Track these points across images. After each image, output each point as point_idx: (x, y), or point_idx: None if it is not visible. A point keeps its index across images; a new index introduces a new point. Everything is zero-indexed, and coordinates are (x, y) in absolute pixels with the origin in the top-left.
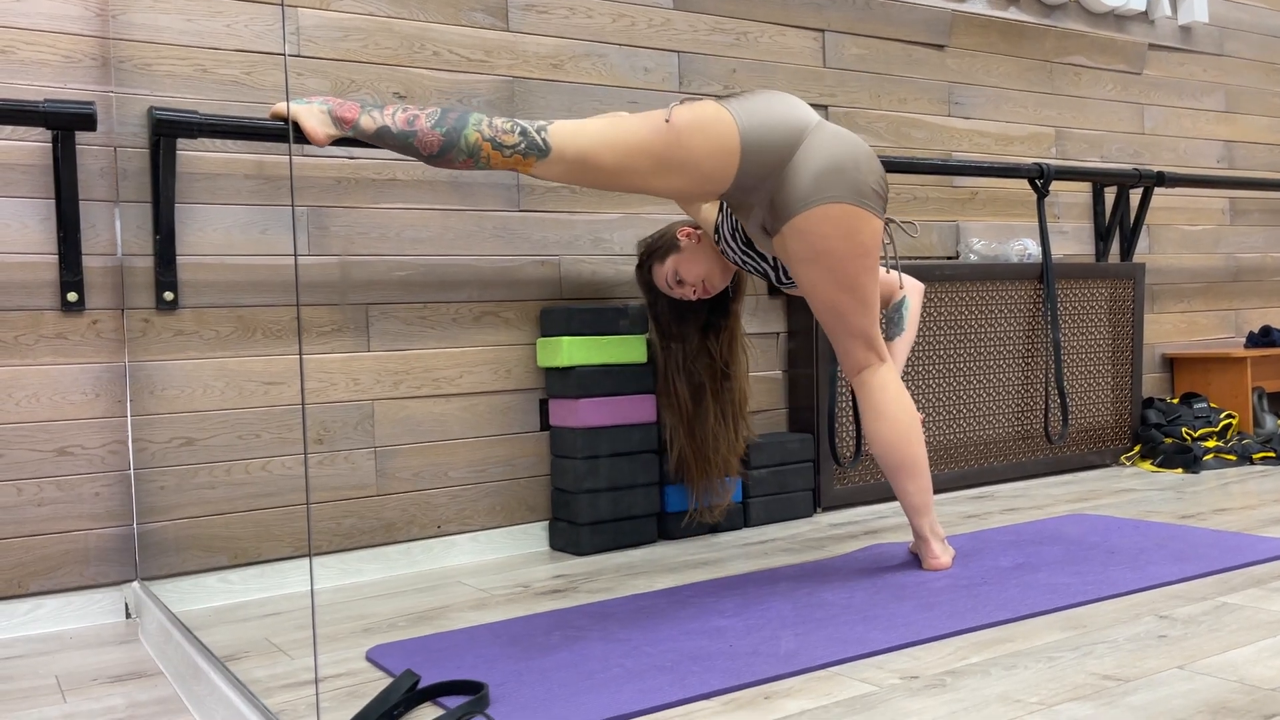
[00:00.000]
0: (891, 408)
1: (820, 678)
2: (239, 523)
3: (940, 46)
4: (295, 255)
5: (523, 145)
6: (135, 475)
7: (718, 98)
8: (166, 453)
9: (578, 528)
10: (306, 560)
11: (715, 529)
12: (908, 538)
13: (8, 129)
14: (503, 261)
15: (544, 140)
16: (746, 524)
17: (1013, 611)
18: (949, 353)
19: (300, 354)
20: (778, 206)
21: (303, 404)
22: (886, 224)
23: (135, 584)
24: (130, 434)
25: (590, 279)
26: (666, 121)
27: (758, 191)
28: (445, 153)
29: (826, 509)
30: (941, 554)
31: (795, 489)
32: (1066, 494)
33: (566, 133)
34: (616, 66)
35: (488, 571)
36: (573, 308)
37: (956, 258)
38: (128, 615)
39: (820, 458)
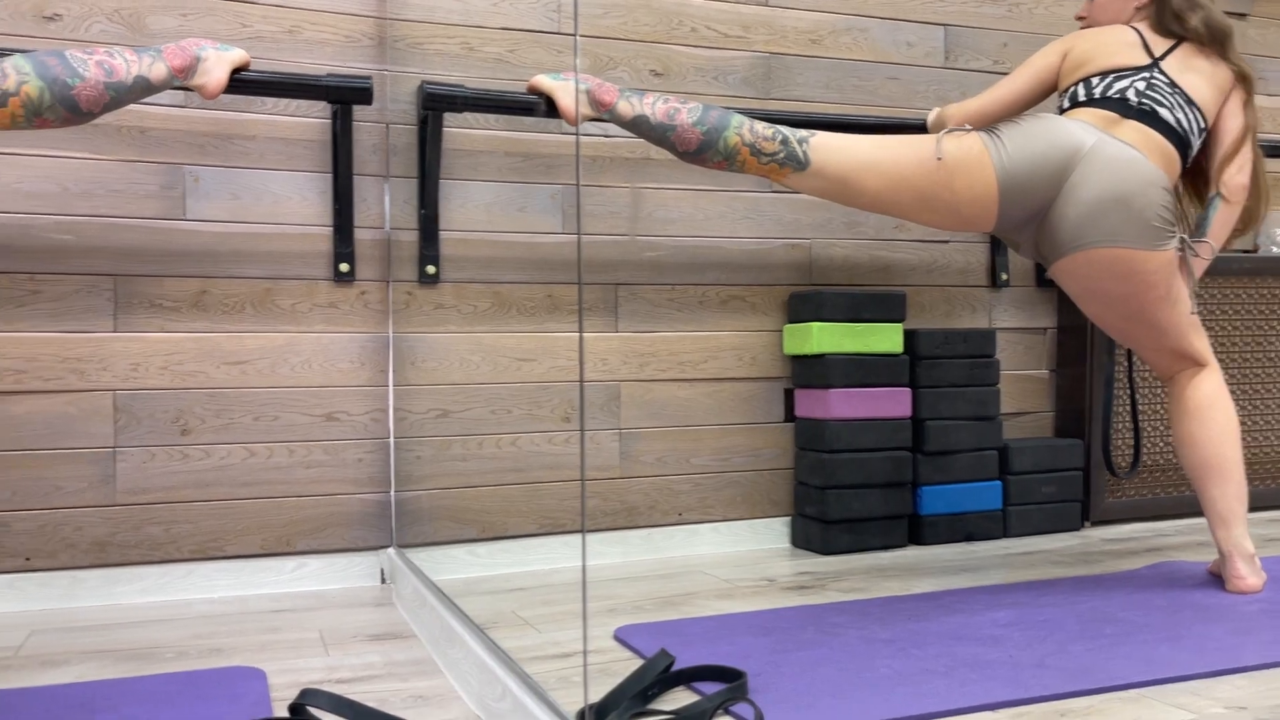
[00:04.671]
0: (1204, 404)
1: (1124, 699)
2: (488, 496)
3: (1242, 15)
4: (579, 234)
5: (781, 155)
6: (394, 444)
7: (989, 130)
8: (424, 423)
9: (823, 525)
10: (550, 538)
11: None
12: (1199, 557)
13: (294, 104)
14: (752, 244)
15: (804, 153)
16: (1005, 534)
17: None
18: (1247, 356)
19: (580, 332)
20: (1043, 248)
21: (581, 381)
22: (1181, 248)
23: (391, 550)
24: (391, 403)
25: (842, 264)
26: (939, 160)
27: (1023, 231)
28: (702, 151)
29: (1096, 523)
30: (1249, 574)
31: (1061, 499)
32: None
33: (830, 150)
34: (878, 41)
35: (729, 563)
36: (825, 291)
37: (1255, 251)
38: (382, 580)
39: (1091, 467)
